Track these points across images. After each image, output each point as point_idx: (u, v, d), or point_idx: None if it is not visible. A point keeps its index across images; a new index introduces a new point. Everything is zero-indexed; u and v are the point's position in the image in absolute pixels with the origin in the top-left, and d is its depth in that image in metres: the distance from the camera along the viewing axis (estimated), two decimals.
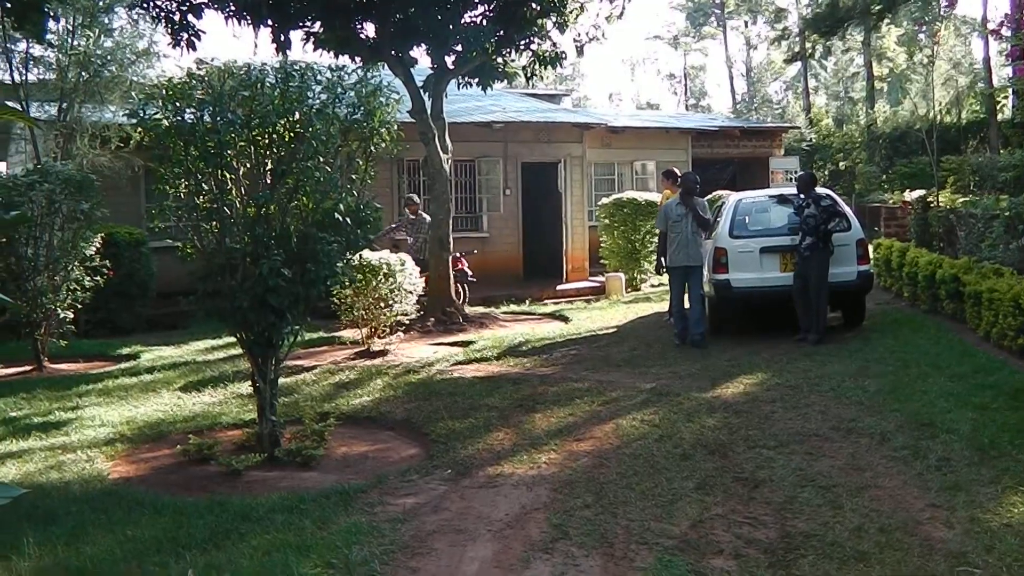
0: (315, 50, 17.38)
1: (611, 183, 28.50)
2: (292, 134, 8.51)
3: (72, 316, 14.46)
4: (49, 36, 17.53)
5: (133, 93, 17.69)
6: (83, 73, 19.24)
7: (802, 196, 13.24)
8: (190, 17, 16.60)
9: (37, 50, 19.41)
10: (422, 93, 17.70)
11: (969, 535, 5.85)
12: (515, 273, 24.44)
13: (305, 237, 8.51)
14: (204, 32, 16.67)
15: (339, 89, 8.87)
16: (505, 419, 9.64)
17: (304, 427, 9.29)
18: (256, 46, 51.12)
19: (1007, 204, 15.07)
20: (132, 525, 6.67)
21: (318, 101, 8.69)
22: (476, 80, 18.51)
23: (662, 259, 13.94)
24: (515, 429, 9.22)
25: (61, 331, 14.33)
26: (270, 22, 16.72)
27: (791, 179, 29.37)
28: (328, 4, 16.11)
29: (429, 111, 17.72)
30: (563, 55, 18.55)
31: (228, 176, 8.62)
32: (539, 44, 18.22)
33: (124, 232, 17.79)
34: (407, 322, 15.29)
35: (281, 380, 9.44)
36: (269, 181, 8.64)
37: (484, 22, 17.47)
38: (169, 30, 16.66)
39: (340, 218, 8.56)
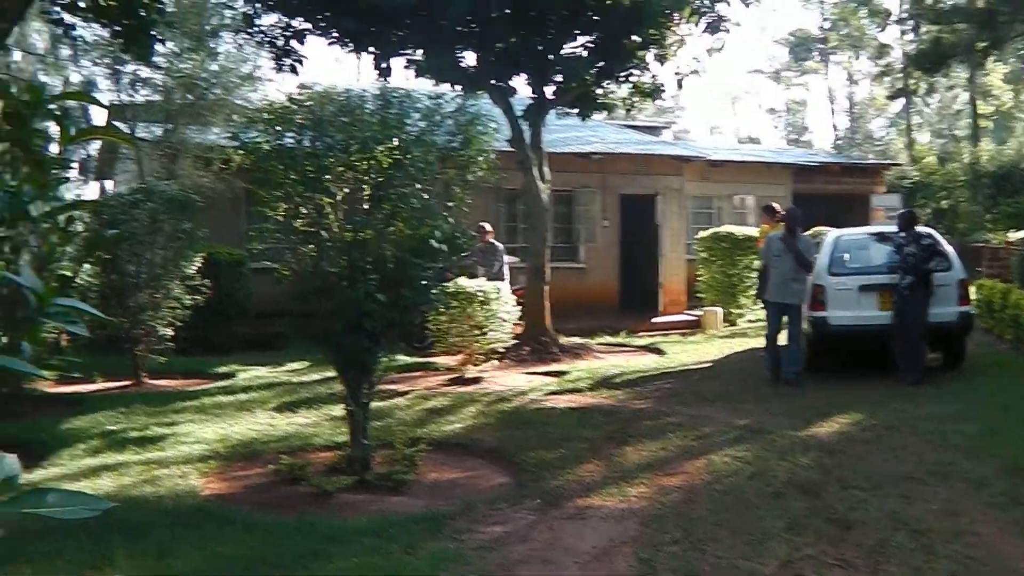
0: (416, 77, 17.50)
1: (709, 216, 28.25)
2: (390, 160, 8.57)
3: (171, 333, 14.64)
4: (156, 59, 17.92)
5: (235, 116, 18.03)
6: (188, 95, 19.67)
7: (902, 234, 13.01)
8: (293, 42, 16.90)
9: (145, 72, 19.86)
10: (521, 122, 17.75)
11: None
12: (611, 305, 24.28)
13: (400, 263, 8.55)
14: (306, 57, 16.95)
15: (437, 117, 8.92)
16: (596, 451, 9.57)
17: (395, 451, 9.30)
18: (359, 72, 51.83)
19: None
20: (221, 542, 6.73)
21: (416, 128, 8.75)
22: (575, 110, 18.54)
23: (762, 290, 13.76)
24: (605, 461, 9.15)
25: (160, 348, 14.54)
26: (372, 49, 16.90)
27: (892, 217, 28.94)
28: (429, 33, 16.25)
29: (528, 140, 17.76)
30: (662, 87, 18.51)
31: (326, 200, 8.72)
32: (638, 76, 18.17)
33: (225, 252, 18.00)
34: (502, 350, 15.29)
35: (374, 404, 9.49)
36: (366, 206, 8.71)
37: (584, 53, 17.46)
38: (272, 55, 16.96)
39: (436, 245, 8.60)
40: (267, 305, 16.90)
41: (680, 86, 18.81)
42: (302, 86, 9.45)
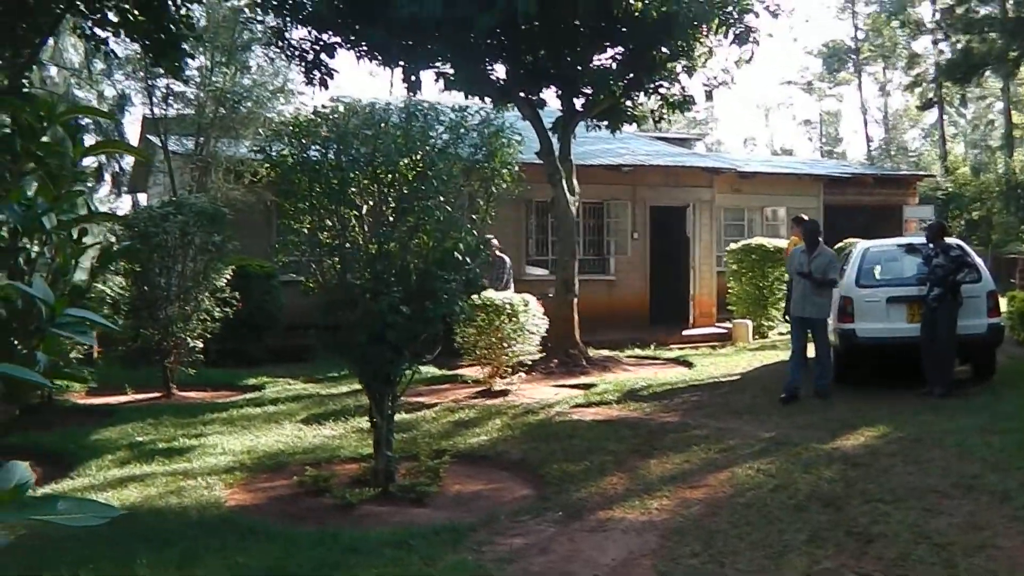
0: (445, 90, 17.55)
1: (740, 228, 28.17)
2: (414, 173, 8.62)
3: (201, 345, 14.75)
4: (189, 73, 18.11)
5: (260, 130, 18.17)
6: (220, 109, 19.83)
7: (931, 245, 12.93)
8: (323, 56, 17.02)
9: (177, 86, 20.06)
10: (550, 134, 17.79)
11: None
12: (641, 317, 24.21)
13: (425, 275, 8.59)
14: (336, 71, 17.08)
15: (462, 129, 8.96)
16: (620, 463, 9.57)
17: (420, 463, 9.35)
18: (392, 85, 52.09)
19: None
20: (244, 552, 6.79)
21: (441, 141, 8.79)
22: (605, 123, 18.57)
23: (789, 305, 13.67)
24: (629, 474, 9.15)
25: (190, 360, 14.66)
26: (401, 62, 16.99)
27: (925, 228, 28.79)
28: (459, 46, 16.31)
29: (557, 153, 17.80)
30: (691, 99, 18.49)
31: (351, 213, 8.78)
32: (668, 88, 18.17)
33: (255, 265, 18.11)
34: (530, 363, 15.31)
35: (401, 416, 9.55)
36: (391, 219, 8.76)
37: (613, 65, 17.47)
38: (303, 68, 17.09)
39: (460, 257, 8.63)
40: (297, 317, 16.96)
41: (709, 98, 18.77)
42: (334, 99, 9.47)
